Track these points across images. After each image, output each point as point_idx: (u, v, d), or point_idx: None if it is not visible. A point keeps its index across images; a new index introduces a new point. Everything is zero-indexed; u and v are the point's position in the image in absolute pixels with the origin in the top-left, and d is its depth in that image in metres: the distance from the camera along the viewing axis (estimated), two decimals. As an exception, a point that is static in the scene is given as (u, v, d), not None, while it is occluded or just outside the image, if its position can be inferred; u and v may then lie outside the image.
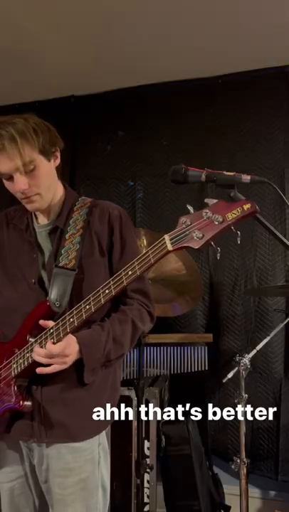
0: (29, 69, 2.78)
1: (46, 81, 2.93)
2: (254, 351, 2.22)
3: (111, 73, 2.86)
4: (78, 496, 1.34)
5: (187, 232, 1.06)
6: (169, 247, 1.08)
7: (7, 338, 1.41)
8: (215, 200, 1.07)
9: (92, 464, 1.37)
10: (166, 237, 1.09)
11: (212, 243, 1.06)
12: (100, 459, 1.39)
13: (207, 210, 1.05)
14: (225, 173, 1.14)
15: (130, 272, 1.16)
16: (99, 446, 1.40)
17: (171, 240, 1.08)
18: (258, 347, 2.24)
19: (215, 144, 2.87)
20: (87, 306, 1.23)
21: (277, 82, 2.78)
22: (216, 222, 1.04)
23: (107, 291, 1.20)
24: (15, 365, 1.33)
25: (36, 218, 1.47)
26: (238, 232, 1.06)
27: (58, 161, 1.41)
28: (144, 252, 1.13)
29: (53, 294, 1.31)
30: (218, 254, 1.08)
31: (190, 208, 1.09)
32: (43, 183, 1.35)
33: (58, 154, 1.41)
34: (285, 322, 2.40)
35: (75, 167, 3.10)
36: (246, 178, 1.11)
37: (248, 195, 2.87)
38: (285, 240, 1.19)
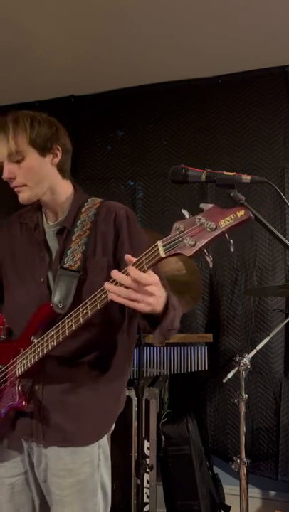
0: (29, 69, 2.78)
1: (46, 81, 2.93)
2: (254, 351, 2.22)
3: (111, 73, 2.86)
4: (76, 497, 1.34)
5: (180, 239, 1.01)
6: (162, 254, 1.03)
7: (16, 336, 1.42)
8: (210, 205, 1.02)
9: (91, 466, 1.36)
10: (160, 243, 1.04)
11: (205, 250, 1.01)
12: (99, 462, 1.38)
13: (200, 217, 1.01)
14: (225, 173, 1.14)
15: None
16: (99, 449, 1.39)
17: (164, 246, 1.04)
18: (258, 347, 2.24)
19: (215, 144, 2.87)
20: (84, 311, 1.19)
21: (277, 82, 2.77)
22: (209, 230, 0.99)
23: (103, 295, 1.16)
24: (19, 365, 1.34)
25: (46, 218, 1.46)
26: (231, 241, 1.01)
27: (58, 159, 1.39)
28: (138, 257, 1.08)
29: (56, 295, 1.30)
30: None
31: (185, 213, 1.04)
32: (30, 176, 1.34)
33: (59, 153, 1.39)
34: (285, 322, 2.40)
35: (75, 167, 3.09)
36: (246, 178, 1.11)
37: (248, 195, 2.89)
38: (285, 240, 1.19)
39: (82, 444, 1.35)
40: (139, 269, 1.07)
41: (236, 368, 2.15)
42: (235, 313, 2.75)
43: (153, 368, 2.54)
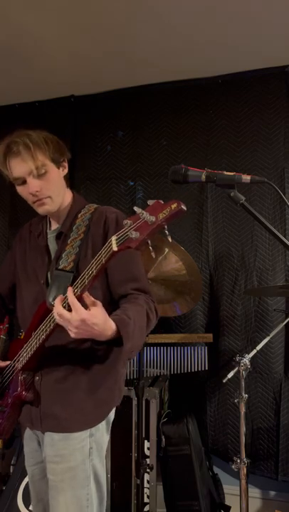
0: (29, 69, 2.78)
1: (46, 81, 2.93)
2: (254, 351, 2.23)
3: (111, 73, 2.86)
4: (68, 484, 1.40)
5: (128, 233, 1.11)
6: (114, 248, 1.13)
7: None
8: (153, 201, 1.12)
9: (82, 453, 1.42)
10: (113, 238, 1.14)
11: (149, 242, 1.10)
12: (91, 450, 1.43)
13: (143, 212, 1.10)
14: (225, 173, 1.15)
15: (90, 272, 1.21)
16: (90, 437, 1.44)
17: (116, 240, 1.13)
18: (258, 347, 2.24)
19: (215, 144, 2.87)
20: (63, 304, 1.29)
21: (277, 82, 2.77)
22: (150, 223, 1.09)
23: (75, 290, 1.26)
24: (21, 359, 1.47)
25: (50, 225, 1.60)
26: (167, 232, 1.10)
27: (66, 170, 1.54)
28: (99, 252, 1.19)
29: (51, 295, 1.39)
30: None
31: (136, 209, 1.13)
32: (53, 187, 1.48)
33: (66, 164, 1.54)
34: (285, 322, 2.40)
35: (75, 167, 3.10)
36: (246, 178, 1.12)
37: (248, 195, 2.88)
38: (285, 240, 1.19)
39: (73, 430, 1.42)
40: (98, 264, 1.18)
41: (236, 368, 2.16)
42: (235, 313, 2.75)
43: (153, 367, 2.54)
